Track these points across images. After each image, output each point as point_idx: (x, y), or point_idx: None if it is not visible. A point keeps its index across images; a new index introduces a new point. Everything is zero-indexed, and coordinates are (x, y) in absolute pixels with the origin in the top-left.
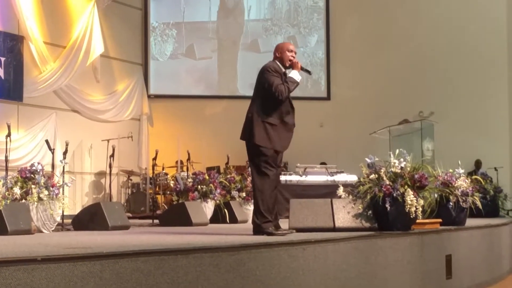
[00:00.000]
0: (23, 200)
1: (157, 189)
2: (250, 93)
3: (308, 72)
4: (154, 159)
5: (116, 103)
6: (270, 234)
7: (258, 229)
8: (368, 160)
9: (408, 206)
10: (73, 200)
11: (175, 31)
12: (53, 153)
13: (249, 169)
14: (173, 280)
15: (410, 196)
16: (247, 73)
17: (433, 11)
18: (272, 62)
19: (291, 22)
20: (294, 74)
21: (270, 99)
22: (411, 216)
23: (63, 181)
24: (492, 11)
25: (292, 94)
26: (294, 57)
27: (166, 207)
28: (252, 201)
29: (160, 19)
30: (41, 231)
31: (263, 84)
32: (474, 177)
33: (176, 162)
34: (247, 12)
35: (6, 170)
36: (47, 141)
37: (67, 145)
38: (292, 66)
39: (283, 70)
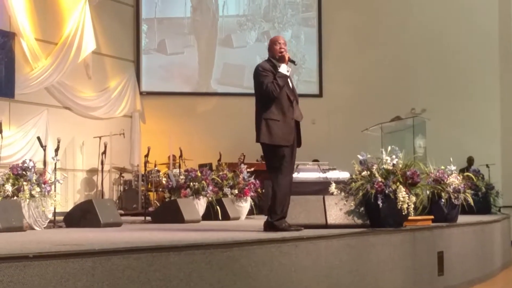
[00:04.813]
0: (15, 197)
1: (149, 186)
2: (221, 89)
3: (293, 62)
4: (146, 156)
5: (108, 100)
6: (284, 230)
7: (271, 227)
8: (360, 157)
9: (400, 203)
10: (65, 197)
11: (146, 26)
12: (44, 150)
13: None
14: (165, 277)
15: (402, 193)
16: (218, 69)
17: (424, 7)
18: (264, 61)
19: (266, 18)
20: (282, 68)
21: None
22: (403, 213)
23: (55, 178)
24: (484, 8)
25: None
26: (283, 48)
27: (158, 204)
28: (244, 198)
29: (152, 15)
30: (33, 228)
31: (257, 85)
32: (466, 174)
33: (168, 157)
34: (222, 7)
35: None
36: (38, 138)
37: (58, 142)
38: (282, 59)
39: (278, 64)
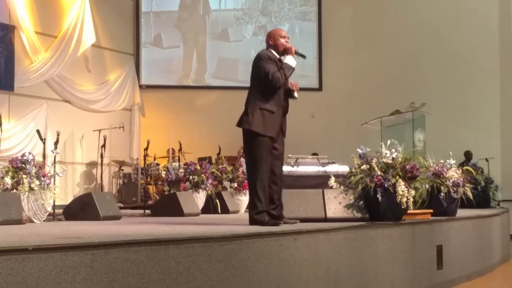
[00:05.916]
0: (14, 190)
1: (148, 179)
2: (215, 83)
3: (303, 56)
4: (146, 149)
5: (108, 93)
6: (263, 224)
7: (252, 222)
8: (360, 151)
9: (400, 197)
10: (65, 190)
11: (143, 20)
12: (44, 143)
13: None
14: (164, 270)
15: (401, 187)
16: (213, 63)
17: (425, 3)
18: (266, 50)
19: (263, 12)
20: (289, 60)
21: (267, 87)
22: (402, 207)
23: (54, 171)
24: (484, 3)
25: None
26: (287, 42)
27: (158, 198)
28: (243, 191)
29: (149, 9)
30: (32, 221)
31: (258, 72)
32: (465, 168)
33: (168, 150)
34: (219, 1)
35: None
36: (38, 131)
37: (58, 135)
38: (286, 51)
39: (278, 57)
